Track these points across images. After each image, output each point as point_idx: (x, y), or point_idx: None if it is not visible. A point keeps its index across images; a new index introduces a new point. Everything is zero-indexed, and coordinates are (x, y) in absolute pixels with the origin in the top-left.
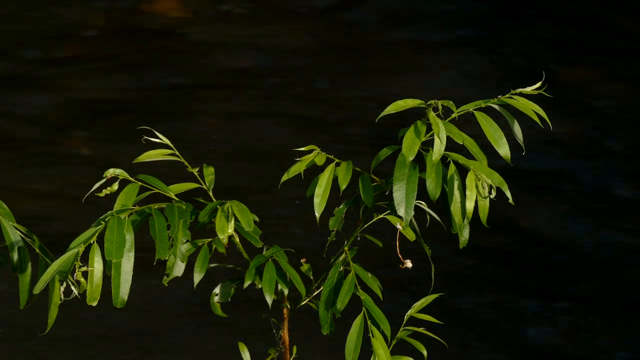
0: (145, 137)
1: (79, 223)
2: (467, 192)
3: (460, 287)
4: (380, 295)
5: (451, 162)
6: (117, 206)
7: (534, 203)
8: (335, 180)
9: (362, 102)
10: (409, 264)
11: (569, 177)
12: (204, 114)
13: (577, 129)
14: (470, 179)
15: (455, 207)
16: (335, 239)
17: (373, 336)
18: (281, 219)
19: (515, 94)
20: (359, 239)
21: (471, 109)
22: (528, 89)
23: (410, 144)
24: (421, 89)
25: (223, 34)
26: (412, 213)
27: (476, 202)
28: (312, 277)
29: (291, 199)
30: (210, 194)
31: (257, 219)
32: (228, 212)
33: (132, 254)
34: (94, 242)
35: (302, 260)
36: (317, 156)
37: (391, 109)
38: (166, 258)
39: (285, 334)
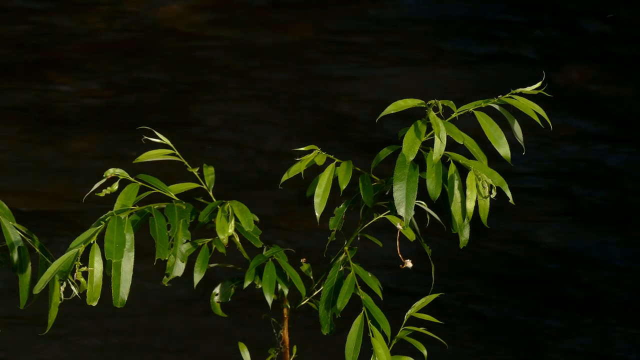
0: (145, 137)
1: None
2: (468, 192)
3: None
4: (381, 295)
5: (451, 162)
6: (117, 206)
7: None
8: (335, 180)
9: None
10: (409, 263)
11: None
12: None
13: None
14: (470, 179)
15: (455, 207)
16: (335, 239)
17: (373, 336)
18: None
19: (516, 93)
20: (359, 239)
21: (471, 109)
22: (528, 89)
23: (410, 144)
24: None
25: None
26: (412, 213)
27: (476, 201)
28: (312, 277)
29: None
30: (211, 194)
31: (257, 219)
32: (228, 212)
33: (132, 254)
34: (94, 242)
35: (302, 260)
36: (317, 156)
37: (391, 108)
38: (166, 258)
39: (285, 334)
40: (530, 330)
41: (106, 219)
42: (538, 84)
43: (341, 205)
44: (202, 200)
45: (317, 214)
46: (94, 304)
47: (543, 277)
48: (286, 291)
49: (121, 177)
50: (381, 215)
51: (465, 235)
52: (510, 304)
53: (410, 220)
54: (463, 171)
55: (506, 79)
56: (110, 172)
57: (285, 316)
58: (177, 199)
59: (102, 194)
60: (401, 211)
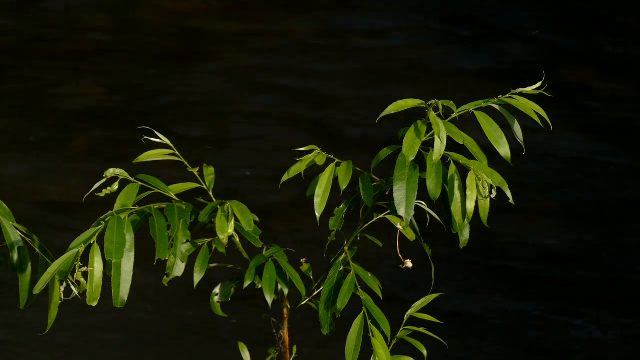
0: (145, 137)
1: None
2: (468, 192)
3: None
4: (381, 295)
5: (451, 162)
6: (117, 206)
7: None
8: (335, 180)
9: None
10: (409, 263)
11: None
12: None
13: None
14: (470, 179)
15: (455, 207)
16: (335, 238)
17: (373, 336)
18: None
19: (516, 93)
20: (359, 239)
21: (471, 109)
22: (528, 89)
23: (410, 144)
24: None
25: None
26: (413, 213)
27: (477, 202)
28: (312, 277)
29: None
30: (211, 194)
31: (257, 219)
32: (228, 212)
33: (132, 254)
34: (94, 242)
35: (302, 260)
36: (318, 156)
37: (391, 109)
38: (166, 258)
39: (285, 334)
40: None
41: (106, 219)
42: (538, 84)
43: (341, 205)
44: (202, 200)
45: (317, 214)
46: (94, 304)
47: None
48: (286, 291)
49: (121, 177)
50: (381, 215)
51: (465, 235)
52: None
53: (410, 220)
54: (463, 171)
55: None
56: (110, 172)
57: (285, 316)
58: (177, 199)
59: (102, 194)
60: (401, 211)
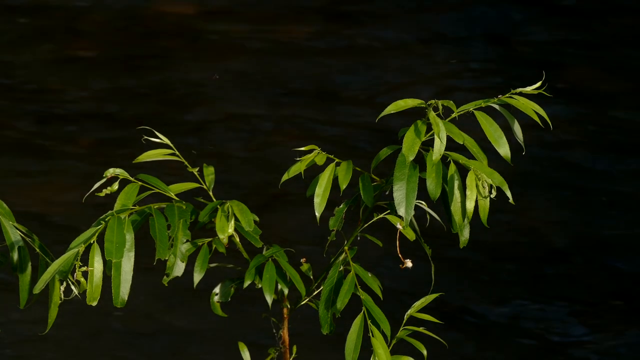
0: (145, 137)
1: None
2: (468, 192)
3: None
4: (380, 295)
5: (451, 162)
6: (117, 206)
7: None
8: (335, 180)
9: None
10: (409, 263)
11: None
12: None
13: None
14: (470, 179)
15: (455, 207)
16: (335, 238)
17: (373, 336)
18: None
19: (516, 93)
20: (359, 238)
21: (471, 109)
22: (528, 89)
23: (410, 144)
24: None
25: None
26: (412, 213)
27: (476, 201)
28: (312, 277)
29: None
30: (210, 193)
31: (257, 219)
32: (228, 212)
33: (132, 254)
34: (94, 242)
35: (302, 260)
36: (317, 156)
37: (391, 108)
38: (166, 258)
39: (285, 333)
40: None
41: (106, 219)
42: (538, 84)
43: (341, 205)
44: (202, 200)
45: (317, 214)
46: (94, 303)
47: None
48: (286, 291)
49: (121, 177)
50: (381, 215)
51: (465, 235)
52: None
53: (410, 220)
54: (463, 171)
55: None
56: (110, 172)
57: (285, 316)
58: (177, 198)
59: (102, 194)
60: (401, 211)
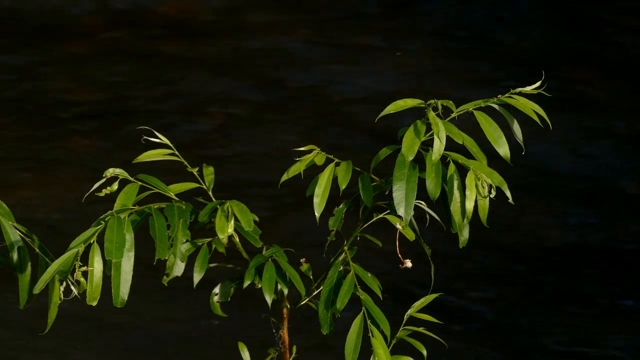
0: (145, 137)
1: None
2: (467, 192)
3: None
4: (380, 295)
5: (451, 162)
6: (117, 206)
7: None
8: (335, 180)
9: None
10: (408, 263)
11: None
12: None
13: None
14: (470, 179)
15: (455, 207)
16: (335, 238)
17: (373, 336)
18: None
19: (515, 93)
20: (358, 238)
21: (471, 109)
22: (528, 89)
23: (410, 144)
24: None
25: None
26: (412, 213)
27: (476, 201)
28: (312, 277)
29: None
30: (210, 193)
31: (257, 219)
32: (228, 212)
33: (132, 254)
34: (94, 242)
35: (302, 260)
36: (317, 156)
37: (391, 108)
38: (166, 258)
39: (285, 333)
40: None
41: (106, 219)
42: (537, 84)
43: (341, 205)
44: (202, 200)
45: (316, 214)
46: (94, 303)
47: None
48: (286, 291)
49: (121, 177)
50: (381, 215)
51: (464, 235)
52: None
53: (410, 220)
54: (463, 171)
55: None
56: (110, 171)
57: (285, 316)
58: (176, 198)
59: (102, 194)
60: (401, 211)
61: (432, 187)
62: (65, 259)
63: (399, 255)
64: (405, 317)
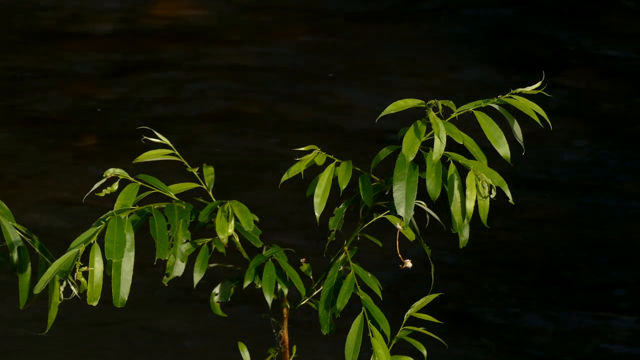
0: (145, 137)
1: None
2: (467, 192)
3: None
4: (380, 295)
5: (451, 162)
6: (117, 206)
7: None
8: (335, 180)
9: None
10: (408, 263)
11: None
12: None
13: None
14: (470, 179)
15: (455, 207)
16: (335, 238)
17: (373, 336)
18: None
19: (515, 93)
20: (358, 239)
21: (471, 109)
22: (528, 89)
23: (410, 144)
24: None
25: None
26: (412, 213)
27: (476, 201)
28: (311, 277)
29: None
30: (210, 193)
31: (257, 219)
32: (228, 212)
33: (132, 254)
34: (94, 242)
35: (302, 260)
36: (317, 156)
37: (391, 108)
38: (166, 258)
39: (285, 333)
40: None
41: (106, 219)
42: (538, 84)
43: (341, 205)
44: (202, 200)
45: (316, 214)
46: (94, 303)
47: None
48: (286, 291)
49: (121, 177)
50: (381, 215)
51: (465, 235)
52: None
53: (410, 220)
54: (463, 171)
55: None
56: (110, 172)
57: (285, 316)
58: (177, 198)
59: (102, 194)
60: (401, 211)
61: (433, 187)
62: (66, 259)
63: (399, 255)
64: (405, 317)
